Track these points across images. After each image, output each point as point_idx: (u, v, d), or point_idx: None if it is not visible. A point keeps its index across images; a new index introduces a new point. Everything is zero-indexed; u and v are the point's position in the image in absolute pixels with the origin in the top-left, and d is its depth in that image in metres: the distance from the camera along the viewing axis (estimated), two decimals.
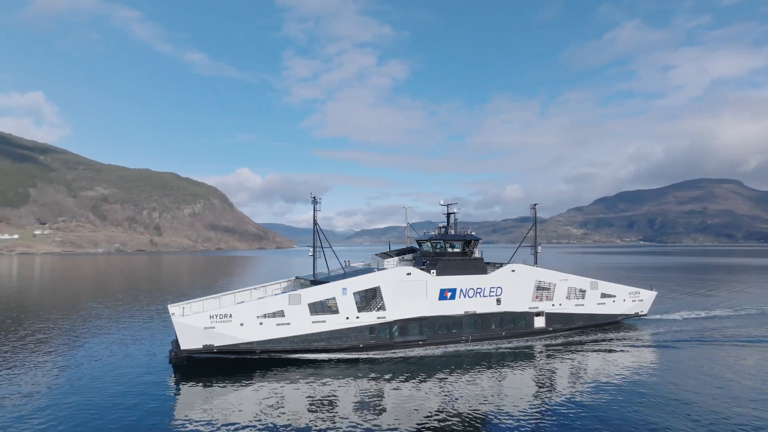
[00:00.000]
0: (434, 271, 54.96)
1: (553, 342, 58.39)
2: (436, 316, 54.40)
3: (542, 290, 61.41)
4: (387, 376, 43.87)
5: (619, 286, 68.95)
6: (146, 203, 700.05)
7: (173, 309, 49.99)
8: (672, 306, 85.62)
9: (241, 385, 41.73)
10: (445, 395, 38.81)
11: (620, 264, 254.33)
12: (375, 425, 32.50)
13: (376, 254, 63.08)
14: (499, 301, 57.86)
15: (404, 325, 53.07)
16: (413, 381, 42.45)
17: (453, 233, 60.48)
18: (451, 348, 53.77)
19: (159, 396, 38.99)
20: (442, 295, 54.83)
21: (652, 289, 72.00)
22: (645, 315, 70.33)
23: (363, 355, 50.69)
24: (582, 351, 54.38)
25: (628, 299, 67.89)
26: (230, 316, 47.67)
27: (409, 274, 53.94)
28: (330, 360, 49.22)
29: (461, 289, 55.77)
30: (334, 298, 50.76)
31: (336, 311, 50.61)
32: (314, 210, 58.09)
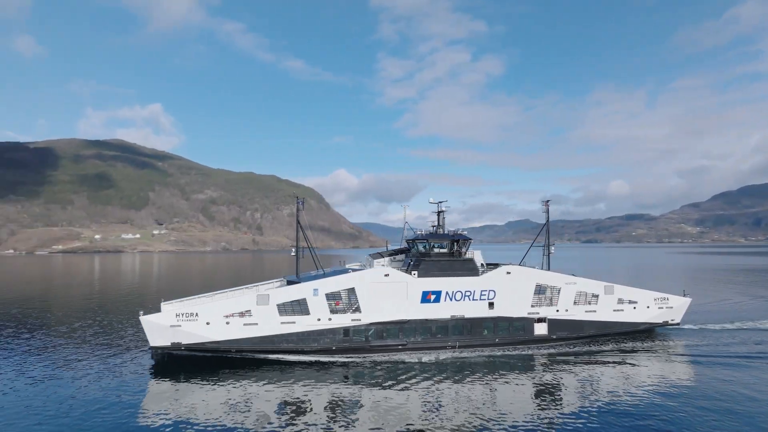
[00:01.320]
0: (416, 272, 52.08)
1: (559, 351, 52.55)
2: (417, 320, 51.26)
3: (544, 294, 55.67)
4: (361, 381, 41.96)
5: (642, 291, 61.88)
6: (249, 204, 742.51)
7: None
8: (729, 314, 75.37)
9: (211, 383, 41.33)
10: (422, 405, 36.02)
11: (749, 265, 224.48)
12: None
13: (370, 254, 61.10)
14: (491, 305, 53.39)
15: (382, 328, 50.65)
16: (388, 388, 39.83)
17: (443, 232, 57.43)
18: (435, 355, 49.97)
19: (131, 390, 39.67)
20: (425, 297, 51.56)
21: (685, 295, 63.67)
22: (677, 324, 62.28)
23: (340, 359, 48.54)
24: (594, 363, 48.20)
25: (653, 306, 60.45)
26: (196, 314, 47.99)
27: (387, 275, 51.37)
28: (302, 362, 47.49)
29: (447, 292, 52.20)
30: (304, 299, 49.35)
31: (307, 312, 49.18)
32: (297, 210, 58.88)
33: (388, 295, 50.78)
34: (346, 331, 49.96)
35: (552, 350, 52.47)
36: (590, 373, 44.46)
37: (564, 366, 46.62)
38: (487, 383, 41.25)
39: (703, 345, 54.77)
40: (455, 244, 55.58)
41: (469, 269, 54.12)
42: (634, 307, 59.43)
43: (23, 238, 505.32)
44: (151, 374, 44.61)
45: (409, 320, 51.07)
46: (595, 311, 57.47)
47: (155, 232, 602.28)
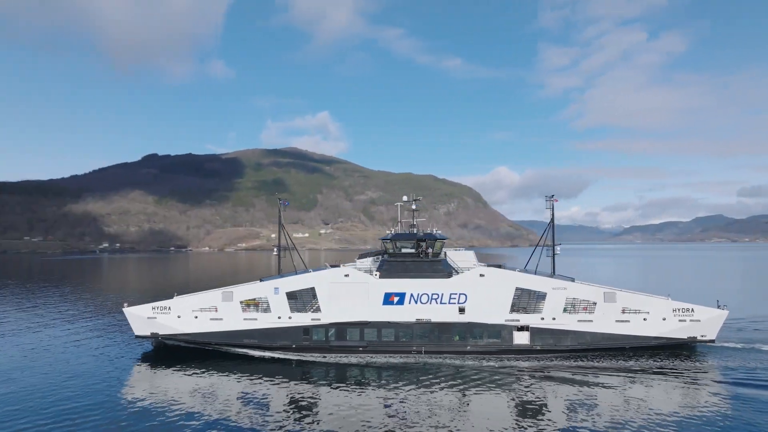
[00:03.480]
0: (378, 272, 50.15)
1: (547, 364, 45.85)
2: (379, 322, 49.28)
3: (526, 300, 49.37)
4: (317, 381, 41.40)
5: (658, 299, 50.67)
6: (407, 204, 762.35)
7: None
8: None
9: (185, 371, 43.84)
10: (375, 408, 34.17)
11: None
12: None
13: (359, 254, 58.59)
14: (462, 310, 49.06)
15: (342, 328, 49.74)
16: (341, 389, 38.65)
17: (415, 232, 53.59)
18: (398, 359, 47.34)
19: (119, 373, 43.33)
20: (388, 299, 49.31)
21: (721, 307, 50.49)
22: (711, 341, 50.12)
23: (301, 357, 48.48)
24: (592, 382, 40.29)
25: (671, 318, 49.67)
26: (169, 308, 51.73)
27: (347, 275, 50.33)
28: (265, 358, 48.31)
29: (412, 294, 49.31)
30: (266, 297, 50.39)
31: (268, 310, 50.22)
32: (279, 211, 59.20)
33: (349, 295, 49.82)
34: (306, 330, 50.02)
35: (536, 362, 46.22)
36: (585, 392, 37.64)
37: (550, 382, 40.38)
38: (454, 393, 37.47)
39: (741, 368, 43.64)
40: (421, 244, 51.57)
41: (437, 271, 50.13)
42: (645, 319, 49.42)
43: (216, 237, 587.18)
44: (138, 361, 48.02)
45: (370, 322, 49.44)
46: (591, 321, 49.19)
47: (322, 231, 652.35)
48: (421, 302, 49.22)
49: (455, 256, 53.68)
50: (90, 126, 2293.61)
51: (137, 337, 52.64)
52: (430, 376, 41.55)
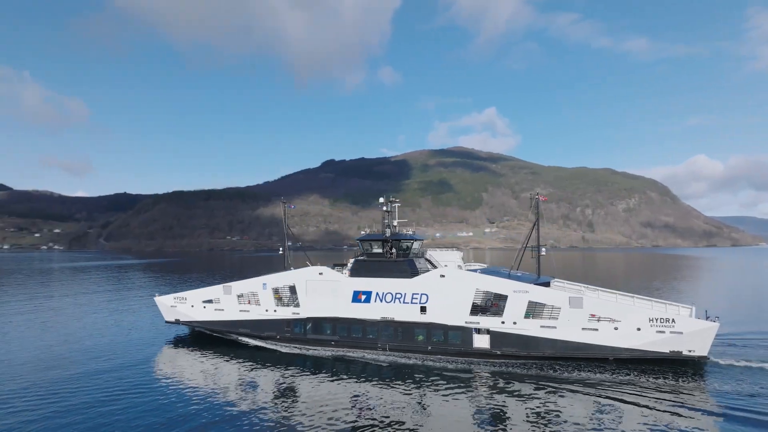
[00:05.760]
0: (347, 271, 53.02)
1: (506, 370, 44.23)
2: (349, 319, 51.94)
3: (486, 302, 47.75)
4: (305, 372, 44.55)
5: (634, 307, 45.80)
6: (579, 200, 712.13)
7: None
8: None
9: (201, 353, 51.82)
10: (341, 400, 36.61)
11: None
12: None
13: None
14: (423, 310, 49.34)
15: (317, 323, 53.40)
16: (317, 380, 41.96)
17: (389, 233, 54.29)
18: (365, 354, 49.95)
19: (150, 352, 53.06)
20: (356, 297, 51.75)
21: (711, 319, 43.88)
22: (701, 358, 43.40)
23: (283, 348, 53.27)
24: (551, 392, 37.89)
25: (646, 329, 43.84)
26: (185, 298, 60.22)
27: (321, 273, 53.58)
28: (258, 346, 54.27)
29: (377, 293, 50.99)
30: (256, 292, 56.03)
31: (258, 303, 55.88)
32: (284, 212, 66.02)
33: (322, 292, 53.03)
34: (288, 322, 54.62)
35: (495, 368, 44.71)
36: (544, 407, 34.74)
37: (512, 388, 39.00)
38: (413, 391, 38.60)
39: (733, 392, 37.19)
40: (386, 244, 52.88)
41: (402, 271, 50.98)
42: (615, 328, 44.28)
43: None
44: (166, 344, 56.65)
45: (340, 318, 52.24)
46: (555, 327, 45.44)
47: (486, 230, 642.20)
48: (386, 301, 50.59)
49: (439, 256, 55.53)
50: (280, 136, 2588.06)
51: (167, 322, 62.15)
52: (394, 374, 43.15)
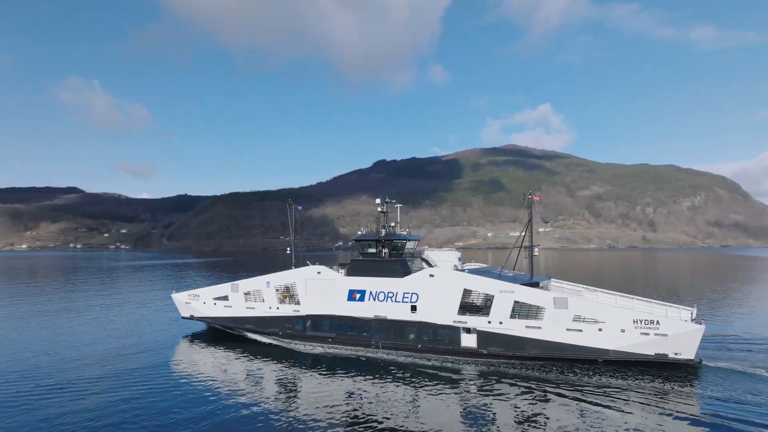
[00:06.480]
0: (343, 271, 54.54)
1: (499, 370, 44.02)
2: (344, 316, 53.49)
3: (473, 302, 48.22)
4: (297, 367, 46.29)
5: (619, 308, 44.75)
6: (640, 199, 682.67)
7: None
8: None
9: (213, 348, 54.38)
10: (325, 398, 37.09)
11: None
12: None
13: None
14: (414, 309, 50.24)
15: (316, 320, 55.01)
16: (315, 376, 43.17)
17: (383, 233, 56.19)
18: (362, 351, 51.30)
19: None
20: (351, 295, 53.24)
21: (695, 320, 43.49)
22: (688, 361, 42.14)
23: (284, 343, 55.30)
24: (538, 393, 37.18)
25: (631, 330, 42.83)
26: (198, 296, 63.03)
27: (319, 272, 55.29)
28: (262, 342, 56.45)
29: (371, 292, 52.25)
30: (260, 290, 58.40)
31: (263, 301, 58.21)
32: (292, 211, 66.11)
33: (320, 291, 54.66)
34: (289, 319, 56.31)
35: (482, 367, 44.96)
36: (533, 404, 35.00)
37: (497, 388, 38.96)
38: (402, 388, 39.11)
39: (721, 395, 36.16)
40: (379, 244, 54.49)
41: (393, 270, 51.90)
42: (600, 329, 43.93)
43: (434, 236, 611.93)
44: (183, 339, 58.99)
45: (337, 315, 53.67)
46: (539, 328, 45.37)
47: (540, 230, 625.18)
48: (379, 300, 51.59)
49: (437, 256, 56.60)
50: (333, 137, 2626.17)
51: (183, 318, 65.15)
52: (384, 371, 43.78)
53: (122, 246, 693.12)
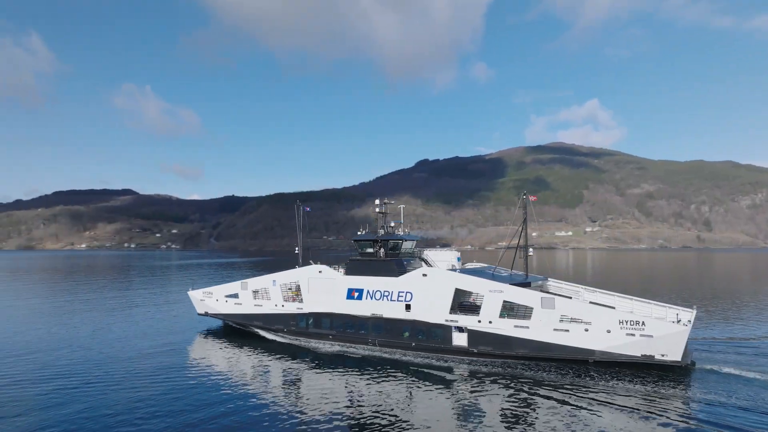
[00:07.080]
0: (343, 270, 56.00)
1: (491, 369, 44.01)
2: (343, 314, 55.01)
3: (464, 301, 48.50)
4: (301, 364, 47.65)
5: (606, 309, 44.08)
6: (694, 197, 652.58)
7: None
8: None
9: (225, 344, 56.57)
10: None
11: None
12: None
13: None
14: (408, 308, 51.39)
15: (318, 318, 56.75)
16: (319, 372, 44.56)
17: (382, 233, 57.56)
18: (360, 348, 52.71)
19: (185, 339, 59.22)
20: (350, 294, 54.81)
21: (679, 321, 41.74)
22: (675, 362, 41.32)
23: (289, 340, 57.27)
24: (524, 393, 37.12)
25: (617, 331, 42.37)
26: (211, 293, 65.64)
27: (320, 271, 56.87)
28: (269, 338, 58.83)
29: (368, 291, 53.77)
30: (266, 288, 60.38)
31: (269, 298, 60.32)
32: (301, 212, 68.65)
33: (322, 289, 56.35)
34: (293, 316, 58.31)
35: (473, 366, 45.58)
36: (521, 404, 35.10)
37: (486, 386, 39.40)
38: (394, 385, 39.95)
39: (712, 397, 35.36)
40: (376, 244, 55.72)
41: (389, 270, 53.25)
42: (586, 330, 43.77)
43: (477, 236, 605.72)
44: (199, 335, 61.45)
45: (337, 314, 55.29)
46: (527, 327, 45.62)
47: (588, 229, 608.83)
48: (375, 298, 52.99)
49: (435, 256, 56.84)
50: (375, 137, 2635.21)
51: (198, 314, 67.79)
52: (380, 368, 44.82)
53: (173, 246, 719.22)
